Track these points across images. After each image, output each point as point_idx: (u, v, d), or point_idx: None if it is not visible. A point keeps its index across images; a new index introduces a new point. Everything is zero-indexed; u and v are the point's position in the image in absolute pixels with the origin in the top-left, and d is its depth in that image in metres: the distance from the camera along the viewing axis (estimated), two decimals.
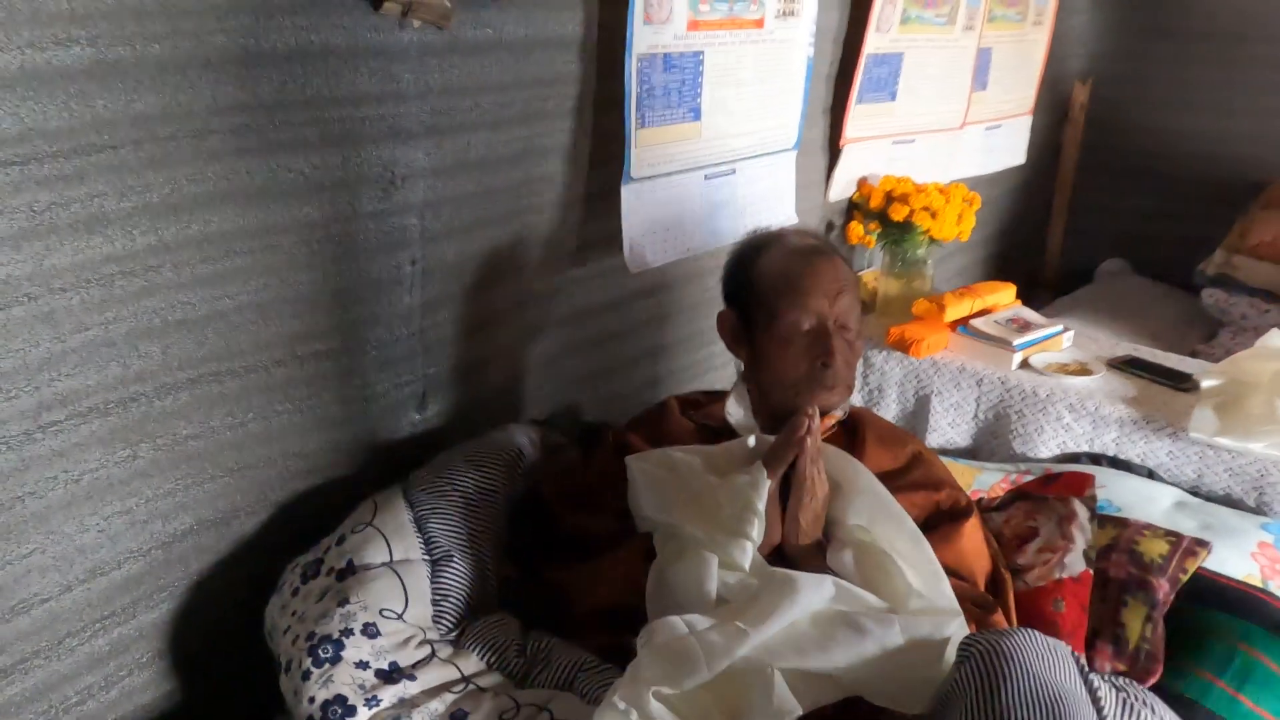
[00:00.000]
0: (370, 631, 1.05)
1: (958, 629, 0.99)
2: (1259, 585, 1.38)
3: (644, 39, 1.44)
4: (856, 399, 2.14)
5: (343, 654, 1.03)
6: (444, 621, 1.12)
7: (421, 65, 1.22)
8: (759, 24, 1.68)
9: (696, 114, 1.58)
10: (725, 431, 1.26)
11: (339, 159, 1.17)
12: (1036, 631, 0.94)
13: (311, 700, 1.00)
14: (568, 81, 1.41)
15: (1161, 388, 1.87)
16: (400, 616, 1.08)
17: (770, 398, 1.24)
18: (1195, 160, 2.88)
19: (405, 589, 1.10)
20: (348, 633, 1.04)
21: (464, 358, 1.40)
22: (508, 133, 1.34)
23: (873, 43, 2.06)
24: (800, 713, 0.88)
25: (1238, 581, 1.35)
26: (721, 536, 1.06)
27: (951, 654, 0.95)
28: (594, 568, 1.15)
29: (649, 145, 1.50)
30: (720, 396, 1.32)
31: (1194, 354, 2.53)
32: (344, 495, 1.26)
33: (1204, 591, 1.32)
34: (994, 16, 2.47)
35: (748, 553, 1.05)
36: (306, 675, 1.02)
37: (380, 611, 1.07)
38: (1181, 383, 1.87)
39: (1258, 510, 1.68)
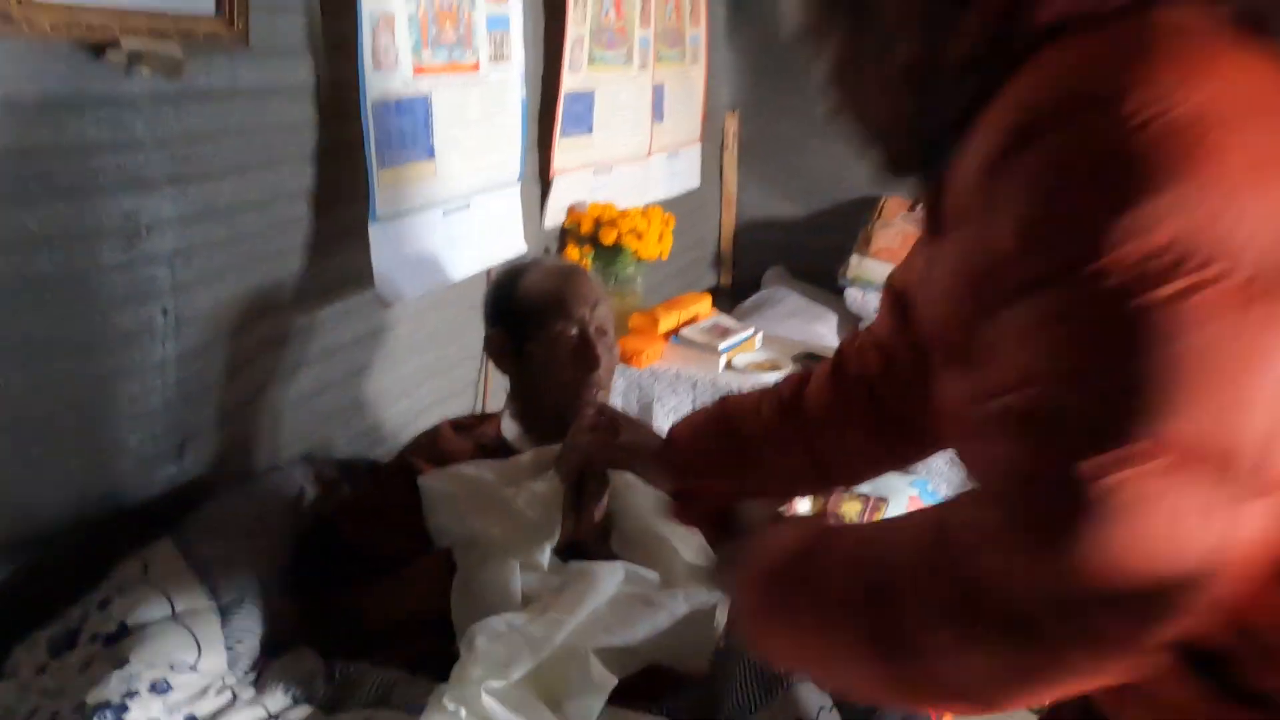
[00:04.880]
0: (160, 688, 1.02)
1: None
2: None
3: (375, 84, 1.51)
4: None
5: (126, 717, 0.98)
6: (242, 665, 1.11)
7: (156, 114, 1.20)
8: (475, 68, 1.79)
9: (431, 153, 1.67)
10: (499, 448, 1.36)
11: (72, 211, 1.13)
12: None
13: None
14: (307, 127, 1.44)
15: None
16: (194, 667, 1.06)
17: (540, 406, 1.36)
18: (829, 180, 3.40)
19: (196, 639, 1.08)
20: (131, 695, 1.00)
21: (223, 404, 1.38)
22: (254, 178, 1.35)
23: (568, 82, 2.25)
24: (614, 680, 1.01)
25: None
26: (522, 540, 1.17)
27: (722, 616, 1.14)
28: (394, 583, 1.21)
29: (390, 185, 1.56)
30: (488, 418, 1.43)
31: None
32: (90, 560, 1.19)
33: None
34: (661, 56, 2.77)
35: (546, 552, 1.16)
36: None
37: (170, 665, 1.04)
38: None
39: (908, 470, 2.09)
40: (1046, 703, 0.81)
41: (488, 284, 1.68)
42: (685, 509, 1.03)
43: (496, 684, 0.98)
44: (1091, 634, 0.55)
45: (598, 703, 0.97)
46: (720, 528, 0.95)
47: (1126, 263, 0.53)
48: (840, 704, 1.06)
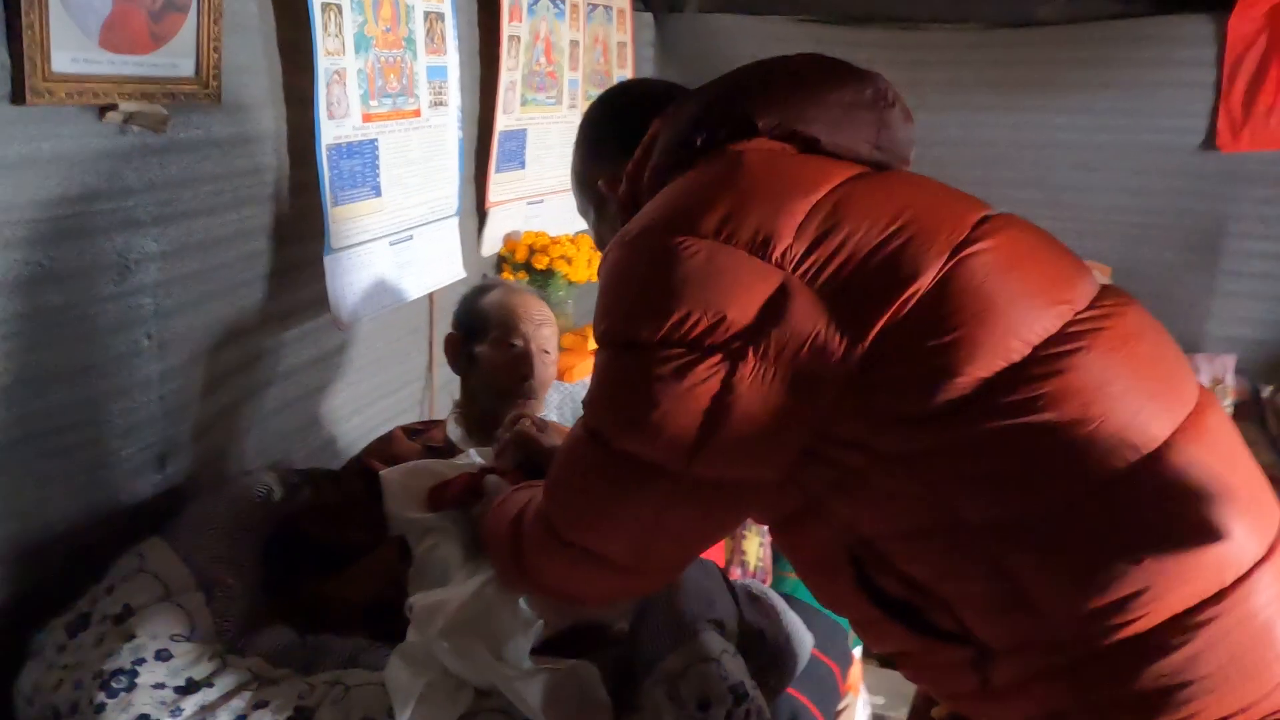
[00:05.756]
0: (163, 656, 1.19)
1: None
2: None
3: (329, 131, 1.70)
4: None
5: (137, 680, 1.15)
6: (227, 637, 1.28)
7: (144, 164, 1.38)
8: (417, 114, 2.00)
9: (378, 191, 1.87)
10: (446, 449, 1.56)
11: (75, 250, 1.30)
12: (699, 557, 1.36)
13: None
14: (270, 171, 1.63)
15: None
16: (188, 638, 1.23)
17: (480, 405, 1.57)
18: None
19: (189, 614, 1.25)
20: (139, 661, 1.17)
21: (199, 419, 1.55)
22: (223, 217, 1.53)
23: (502, 122, 2.47)
24: (540, 622, 1.19)
25: None
26: (466, 527, 1.36)
27: None
28: (354, 571, 1.39)
29: (342, 220, 1.75)
30: (436, 423, 1.63)
31: None
32: (90, 560, 1.35)
33: None
34: (590, 96, 3.01)
35: None
36: (100, 708, 1.13)
37: (170, 637, 1.21)
38: None
39: None
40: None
41: (430, 309, 1.88)
42: (439, 498, 1.37)
43: (443, 635, 1.16)
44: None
45: (527, 642, 1.15)
46: (473, 496, 1.33)
47: (635, 344, 0.88)
48: (742, 647, 1.27)
